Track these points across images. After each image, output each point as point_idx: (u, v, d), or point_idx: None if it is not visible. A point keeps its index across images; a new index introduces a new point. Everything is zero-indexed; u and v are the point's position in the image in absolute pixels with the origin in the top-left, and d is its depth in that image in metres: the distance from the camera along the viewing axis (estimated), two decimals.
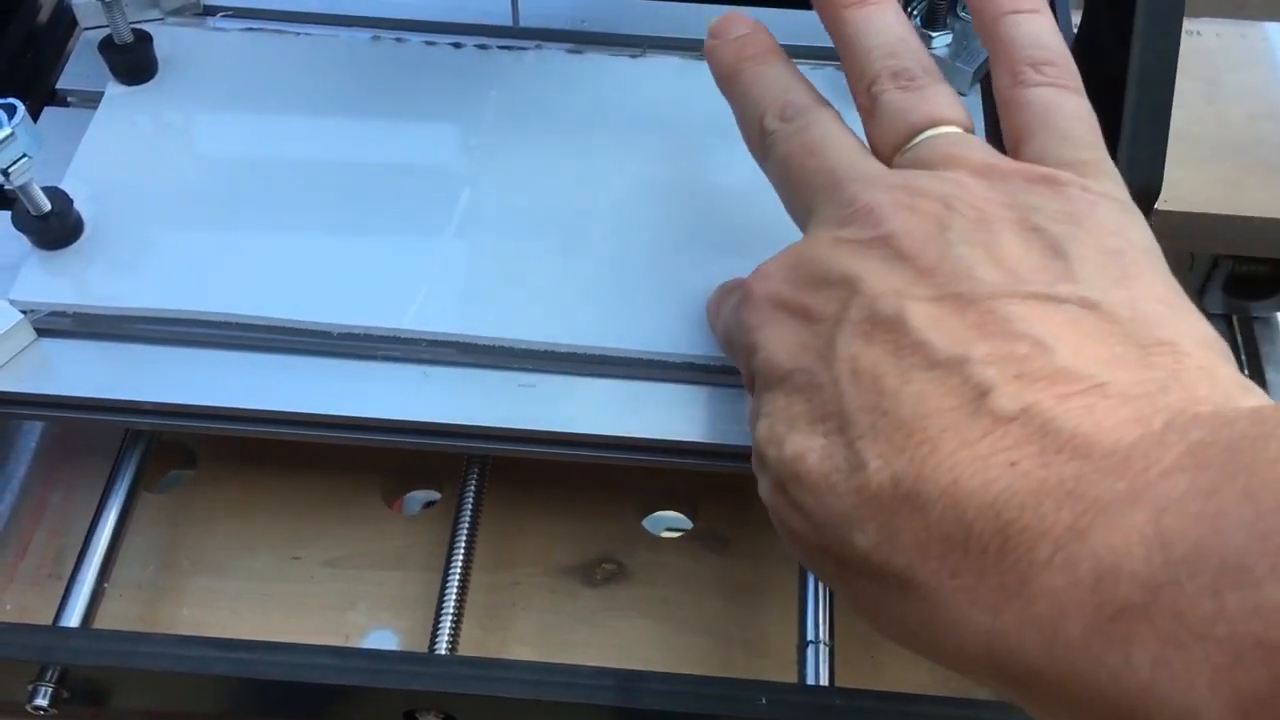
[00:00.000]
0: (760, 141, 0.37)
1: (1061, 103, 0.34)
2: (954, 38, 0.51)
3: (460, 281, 0.44)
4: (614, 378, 0.42)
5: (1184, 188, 0.49)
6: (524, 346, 0.42)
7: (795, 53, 0.40)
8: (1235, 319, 0.58)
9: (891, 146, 0.34)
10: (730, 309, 0.36)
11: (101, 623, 0.44)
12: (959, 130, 0.34)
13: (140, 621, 0.45)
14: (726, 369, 0.42)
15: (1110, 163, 0.33)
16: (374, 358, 0.43)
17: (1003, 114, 0.35)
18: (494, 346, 0.42)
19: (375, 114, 0.49)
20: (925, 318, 0.28)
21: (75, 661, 0.39)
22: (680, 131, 0.49)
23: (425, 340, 0.42)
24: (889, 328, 0.28)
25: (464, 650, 0.43)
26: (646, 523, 0.49)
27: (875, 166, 0.33)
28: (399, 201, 0.46)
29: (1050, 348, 0.26)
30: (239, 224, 0.45)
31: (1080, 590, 0.23)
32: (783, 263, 0.33)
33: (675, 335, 0.43)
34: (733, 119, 0.48)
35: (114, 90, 0.50)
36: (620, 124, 0.49)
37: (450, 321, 0.43)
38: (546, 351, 0.42)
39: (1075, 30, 0.56)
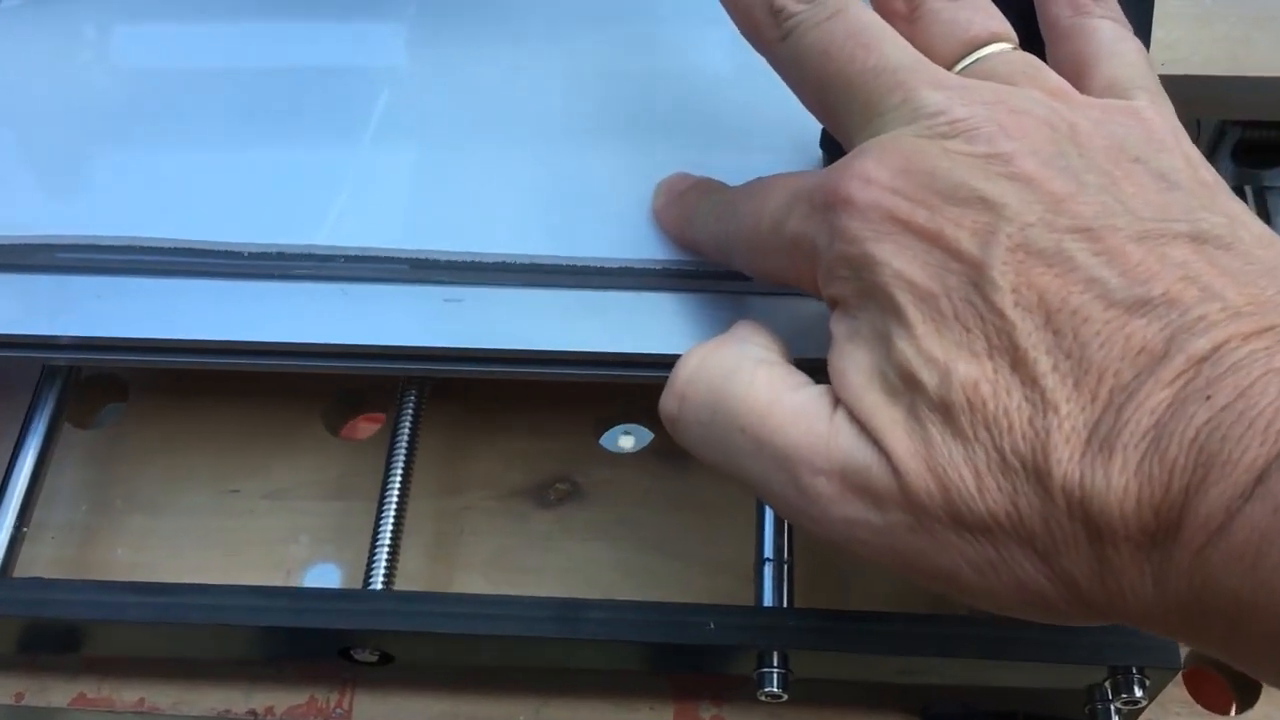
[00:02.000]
0: (772, 25, 0.32)
1: (1123, 34, 0.32)
2: None
3: (379, 191, 0.40)
4: (549, 287, 0.39)
5: (1182, 49, 0.45)
6: (448, 258, 0.39)
7: None
8: (1248, 189, 0.54)
9: (945, 60, 0.31)
10: (800, 209, 0.30)
11: (32, 568, 0.42)
12: (1018, 49, 0.31)
13: (73, 565, 0.43)
14: (671, 273, 0.39)
15: (1165, 93, 0.31)
16: (290, 278, 0.40)
17: (1060, 44, 0.33)
18: (417, 259, 0.39)
19: (284, 11, 0.45)
20: (1089, 254, 0.26)
21: None
22: (613, 20, 0.45)
23: (343, 256, 0.39)
24: (1049, 260, 0.26)
25: (411, 583, 0.41)
26: (604, 440, 0.46)
27: (944, 72, 0.30)
28: (312, 107, 0.42)
29: (1215, 290, 0.25)
30: (140, 140, 0.42)
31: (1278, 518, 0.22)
32: (888, 166, 0.28)
33: (615, 239, 0.39)
34: (670, 3, 0.45)
35: (8, 3, 0.46)
36: (550, 13, 0.45)
37: (369, 235, 0.39)
38: (474, 262, 0.39)
39: None
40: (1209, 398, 0.23)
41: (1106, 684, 0.36)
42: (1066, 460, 0.24)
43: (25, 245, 0.40)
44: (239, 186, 0.41)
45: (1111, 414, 0.24)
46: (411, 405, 0.43)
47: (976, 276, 0.26)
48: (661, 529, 0.44)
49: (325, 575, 0.43)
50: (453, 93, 0.43)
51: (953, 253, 0.27)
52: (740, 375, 0.30)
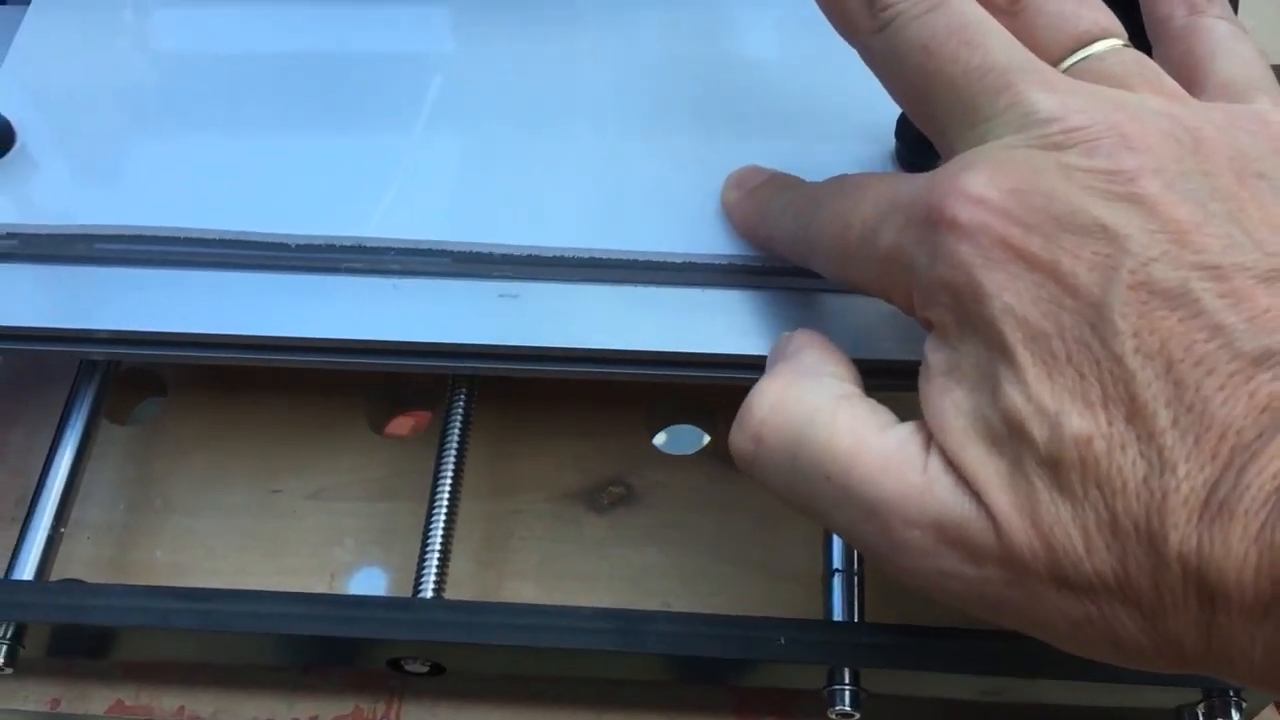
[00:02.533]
0: (867, 15, 0.30)
1: (1239, 33, 0.31)
2: None
3: (431, 182, 0.39)
4: (608, 283, 0.38)
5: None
6: (504, 252, 0.37)
7: None
8: None
9: (1051, 58, 0.29)
10: (897, 219, 0.28)
11: (69, 569, 0.41)
12: (1130, 46, 0.29)
13: (110, 566, 0.42)
14: (736, 269, 0.37)
15: None
16: (338, 271, 0.38)
17: (1171, 45, 0.31)
18: (471, 253, 0.37)
19: (331, 4, 0.43)
20: (1214, 295, 0.24)
21: (28, 618, 0.36)
22: (671, 7, 0.43)
23: (393, 249, 0.38)
24: (1173, 302, 0.24)
25: (459, 589, 0.40)
26: (658, 441, 0.45)
27: (1056, 73, 0.28)
28: (361, 96, 0.41)
29: None
30: (187, 127, 0.41)
31: None
32: (999, 184, 0.26)
33: (676, 234, 0.37)
34: None
35: None
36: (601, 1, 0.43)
37: (420, 227, 0.38)
38: (530, 257, 0.37)
39: None
40: None
41: (1200, 707, 0.34)
42: (1184, 524, 0.23)
43: (66, 235, 0.39)
44: (286, 177, 0.39)
45: (1232, 475, 0.22)
46: (461, 404, 0.41)
47: (1095, 317, 0.24)
48: (719, 534, 0.42)
49: (371, 579, 0.42)
50: (506, 82, 0.41)
51: (1069, 288, 0.25)
52: (821, 418, 0.28)
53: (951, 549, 0.26)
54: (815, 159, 0.38)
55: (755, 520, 0.42)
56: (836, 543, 0.37)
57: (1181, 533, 0.23)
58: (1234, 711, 0.33)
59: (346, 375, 0.42)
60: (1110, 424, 0.24)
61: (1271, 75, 0.30)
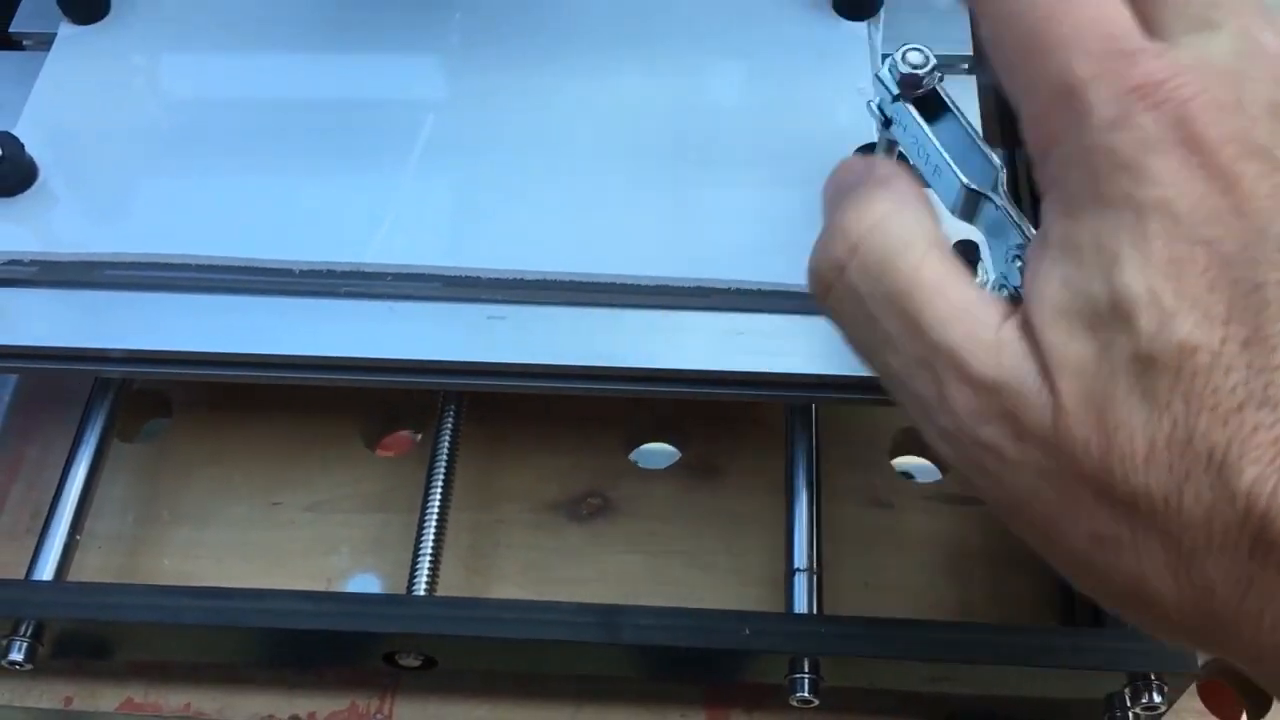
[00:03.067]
0: None
1: None
2: None
3: (424, 212, 0.42)
4: (588, 305, 0.41)
5: None
6: (492, 276, 0.41)
7: None
8: None
9: None
10: (1100, 63, 0.25)
11: (79, 576, 0.43)
12: None
13: (120, 574, 0.44)
14: (703, 291, 0.41)
15: None
16: (338, 295, 0.41)
17: None
18: (461, 277, 0.41)
19: (334, 42, 0.47)
20: None
21: (49, 615, 0.38)
22: (648, 43, 0.47)
23: (390, 274, 0.41)
24: None
25: (448, 591, 0.42)
26: (634, 455, 0.48)
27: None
28: (360, 132, 0.44)
29: None
30: (197, 163, 0.44)
31: None
32: (1213, 72, 0.24)
33: (650, 258, 0.41)
34: (704, 29, 0.47)
35: (66, 30, 0.48)
36: (588, 40, 0.47)
37: (415, 253, 0.41)
38: (515, 280, 0.41)
39: None
40: None
41: (1126, 691, 0.37)
42: (1265, 464, 0.22)
43: (85, 262, 0.42)
44: (289, 208, 0.42)
45: None
46: (451, 420, 0.44)
47: (1252, 240, 0.23)
48: (692, 542, 0.45)
49: (366, 585, 0.44)
50: (493, 119, 0.45)
51: (1237, 207, 0.23)
52: (915, 251, 0.27)
53: (999, 419, 0.24)
54: (783, 192, 0.42)
55: (724, 529, 0.45)
56: (798, 542, 0.40)
57: (1260, 471, 0.21)
58: (1156, 694, 0.36)
59: (342, 395, 0.45)
60: (1224, 343, 0.22)
61: None
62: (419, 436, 0.49)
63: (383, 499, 0.46)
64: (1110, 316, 0.24)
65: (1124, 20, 0.26)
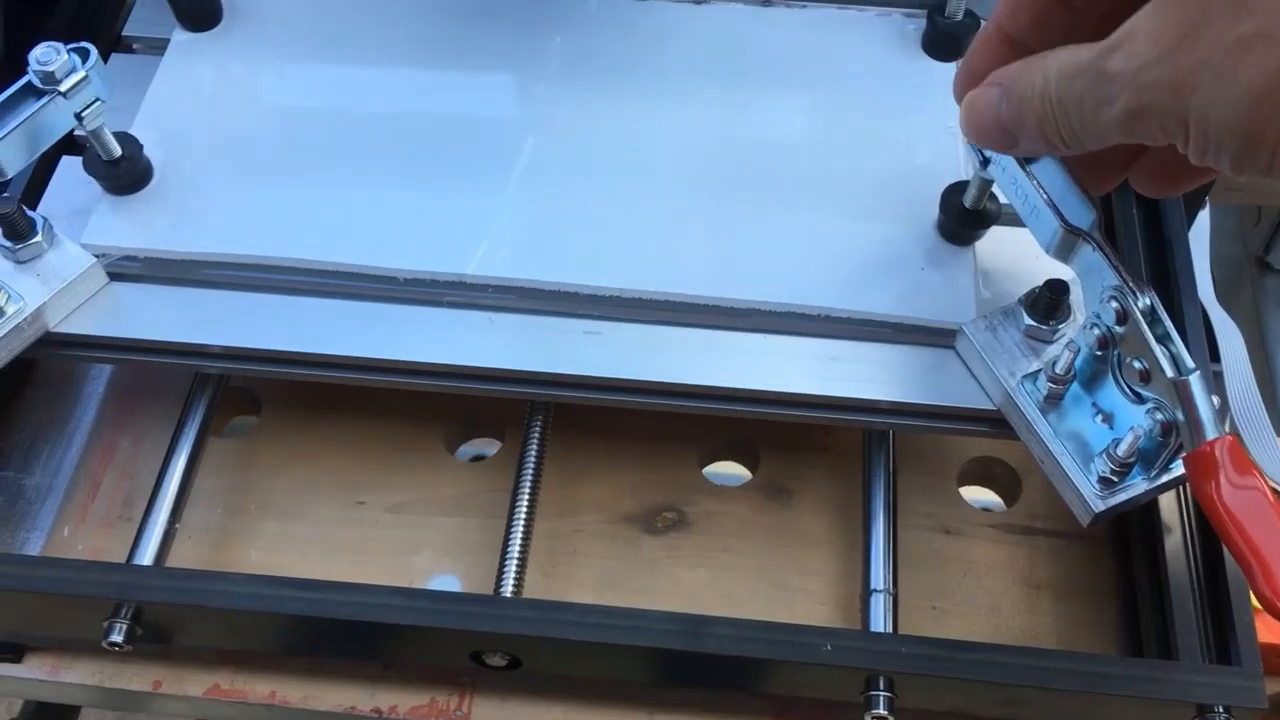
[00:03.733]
0: None
1: None
2: None
3: (525, 228, 0.44)
4: (679, 325, 0.42)
5: None
6: (590, 292, 0.42)
7: None
8: None
9: None
10: None
11: (173, 564, 0.45)
12: None
13: (210, 564, 0.46)
14: (794, 316, 0.42)
15: None
16: (440, 304, 0.43)
17: None
18: (559, 292, 0.42)
19: (439, 60, 0.49)
20: None
21: (152, 599, 0.40)
22: (743, 78, 0.48)
23: (491, 286, 0.43)
24: None
25: (528, 595, 0.44)
26: (708, 472, 0.49)
27: None
28: (464, 148, 0.46)
29: None
30: (305, 170, 0.46)
31: None
32: None
33: (741, 282, 0.42)
34: (797, 66, 0.48)
35: (180, 37, 0.50)
36: (684, 71, 0.48)
37: (516, 267, 0.43)
38: (612, 297, 0.42)
39: None
40: None
41: None
42: None
43: (191, 261, 0.43)
44: (396, 217, 0.44)
45: None
46: (538, 429, 0.45)
47: None
48: (762, 559, 0.46)
49: (446, 585, 0.46)
50: (591, 142, 0.46)
51: None
52: None
53: None
54: (868, 225, 0.43)
55: (794, 549, 0.46)
56: (875, 563, 0.42)
57: None
58: None
59: (425, 399, 0.47)
60: None
61: None
62: (499, 447, 0.50)
63: (462, 503, 0.48)
64: None
65: None
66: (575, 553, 0.47)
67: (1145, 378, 0.35)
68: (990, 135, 0.33)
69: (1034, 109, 0.32)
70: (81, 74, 0.40)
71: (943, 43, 0.48)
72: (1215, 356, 0.49)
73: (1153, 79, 0.28)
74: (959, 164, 0.45)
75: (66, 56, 0.40)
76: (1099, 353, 0.37)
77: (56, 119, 0.41)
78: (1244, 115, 0.27)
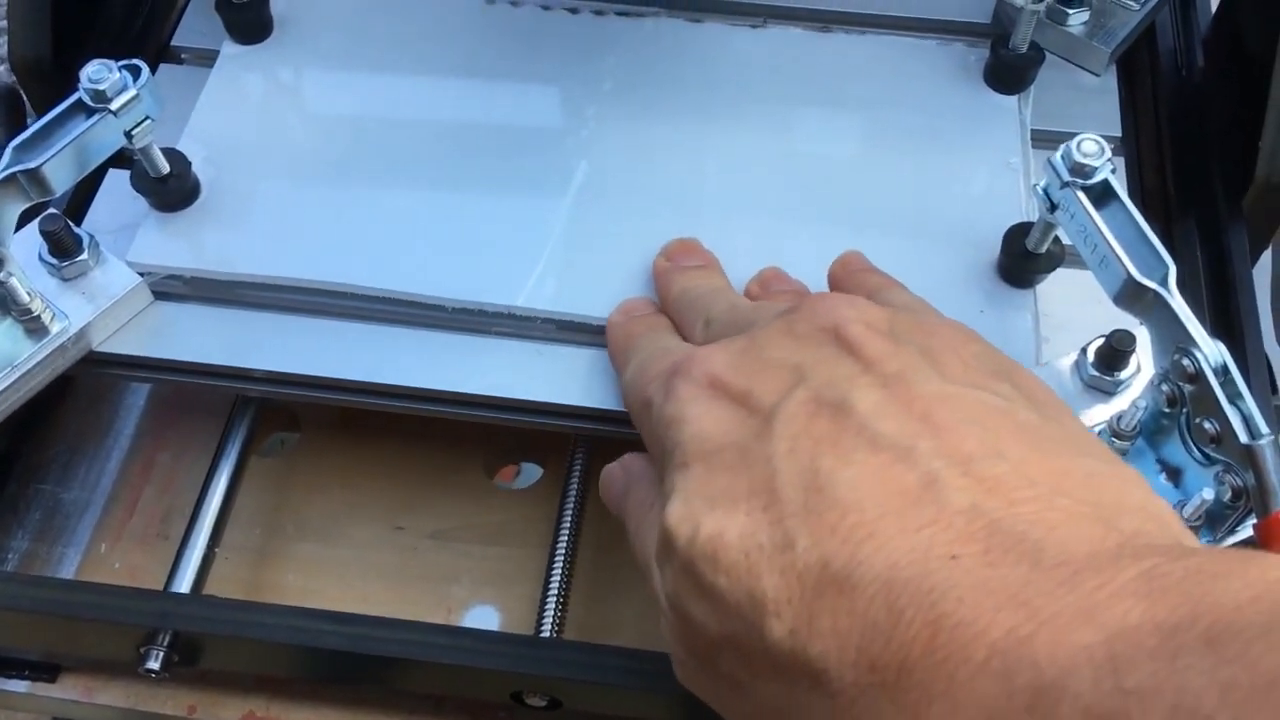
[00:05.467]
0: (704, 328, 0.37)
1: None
2: (1090, 16, 0.48)
3: (576, 260, 0.43)
4: None
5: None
6: None
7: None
8: None
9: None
10: (658, 375, 0.34)
11: (210, 585, 0.44)
12: None
13: (249, 585, 0.45)
14: None
15: None
16: (487, 333, 0.42)
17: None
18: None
19: (489, 81, 0.48)
20: (872, 403, 0.28)
21: (192, 628, 0.39)
22: (800, 104, 0.47)
23: (539, 319, 0.42)
24: (833, 411, 0.28)
25: (569, 630, 0.43)
26: None
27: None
28: (514, 174, 0.45)
29: (999, 452, 0.26)
30: (353, 192, 0.45)
31: (1015, 702, 0.21)
32: (729, 348, 0.32)
33: None
34: (856, 93, 0.47)
35: (229, 50, 0.49)
36: (740, 96, 0.47)
37: (564, 301, 0.42)
38: None
39: (1214, 12, 0.54)
40: (955, 558, 0.23)
41: None
42: (786, 603, 0.25)
43: (237, 282, 0.43)
44: (446, 244, 0.43)
45: (846, 551, 0.25)
46: (581, 463, 0.45)
47: (762, 427, 0.29)
48: None
49: (485, 617, 0.45)
50: (644, 172, 0.45)
51: (751, 409, 0.30)
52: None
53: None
54: (925, 261, 0.42)
55: None
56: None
57: (784, 616, 0.25)
58: None
59: (469, 427, 0.46)
60: (749, 515, 0.27)
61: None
62: (541, 471, 0.50)
63: (503, 532, 0.47)
64: (664, 545, 0.29)
65: (672, 343, 0.37)
66: (617, 586, 0.46)
67: (1216, 439, 0.34)
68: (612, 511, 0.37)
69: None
70: (133, 92, 0.39)
71: (1006, 74, 0.47)
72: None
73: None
74: (1020, 199, 0.44)
75: (118, 74, 0.39)
76: (1167, 410, 0.36)
77: (106, 137, 0.40)
78: None
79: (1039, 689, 0.21)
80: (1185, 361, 0.34)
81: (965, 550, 0.24)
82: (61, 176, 0.40)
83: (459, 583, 0.46)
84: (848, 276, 0.40)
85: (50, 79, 0.51)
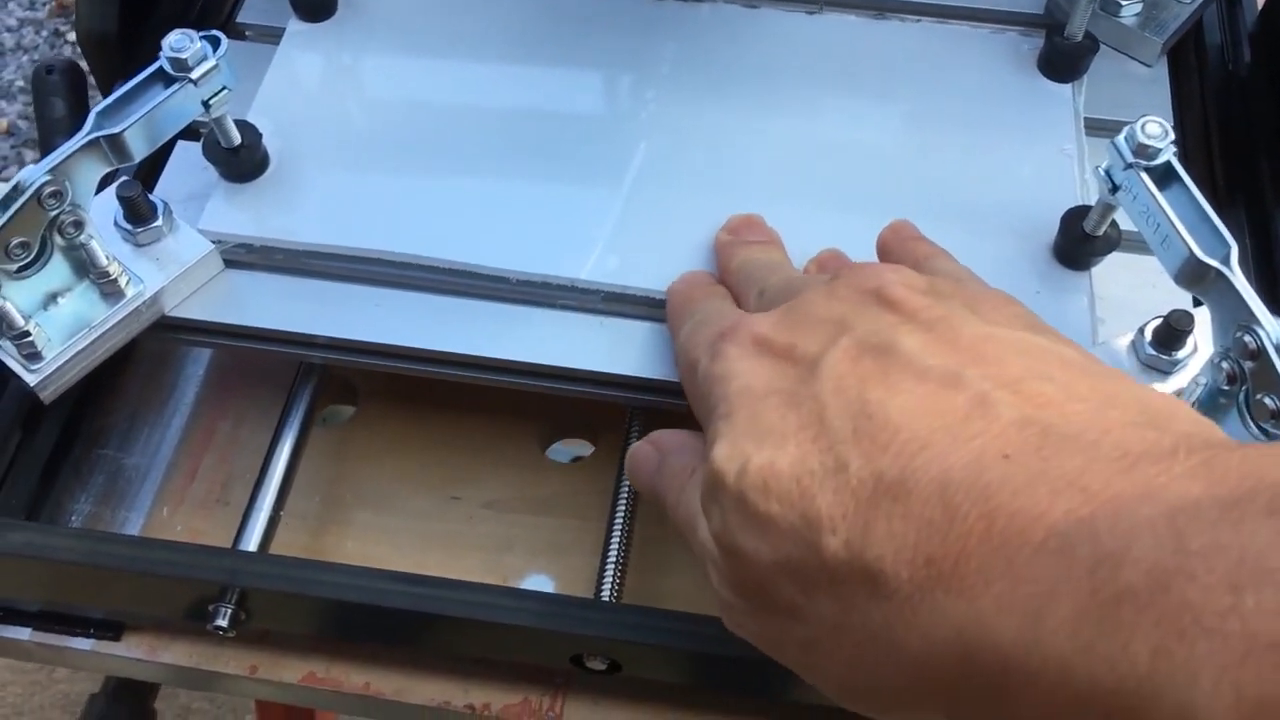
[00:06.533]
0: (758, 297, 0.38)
1: None
2: (1143, 8, 0.49)
3: (637, 235, 0.44)
4: None
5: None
6: None
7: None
8: None
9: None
10: (706, 338, 0.34)
11: (273, 550, 0.45)
12: None
13: (308, 551, 0.46)
14: None
15: None
16: (551, 305, 0.43)
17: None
18: None
19: (552, 61, 0.49)
20: (917, 343, 0.28)
21: (262, 585, 0.40)
22: (855, 90, 0.48)
23: (602, 292, 0.43)
24: (878, 352, 0.29)
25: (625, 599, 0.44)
26: None
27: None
28: (576, 151, 0.46)
29: (1047, 374, 0.27)
30: (417, 165, 0.46)
31: (1076, 571, 0.22)
32: (776, 311, 0.33)
33: None
34: (911, 79, 0.48)
35: (295, 27, 0.50)
36: (796, 81, 0.48)
37: (628, 274, 0.43)
38: None
39: (1259, 8, 0.54)
40: (1007, 456, 0.24)
41: None
42: (841, 518, 0.26)
43: (305, 251, 0.44)
44: (510, 217, 0.44)
45: (899, 463, 0.25)
46: (637, 434, 0.45)
47: (808, 373, 0.29)
48: None
49: (539, 585, 0.46)
50: (703, 151, 0.46)
51: (796, 359, 0.31)
52: None
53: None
54: (980, 244, 0.43)
55: None
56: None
57: (839, 529, 0.26)
58: None
59: (523, 398, 0.47)
60: (799, 446, 0.27)
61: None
62: (590, 450, 0.50)
63: (556, 503, 0.48)
64: (711, 485, 0.30)
65: (727, 308, 0.38)
66: (670, 559, 0.46)
67: (1276, 415, 0.35)
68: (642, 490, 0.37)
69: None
70: (213, 62, 0.40)
71: (1060, 63, 0.48)
72: None
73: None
74: (1074, 186, 0.45)
75: (199, 44, 0.40)
76: (1226, 387, 0.37)
77: (185, 106, 0.41)
78: None
79: (1099, 558, 0.22)
80: (1247, 339, 0.35)
81: (1019, 450, 0.24)
82: (140, 143, 0.40)
83: (513, 552, 0.47)
84: (898, 243, 0.41)
85: (115, 54, 0.52)
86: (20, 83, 1.70)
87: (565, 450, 0.52)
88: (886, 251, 0.41)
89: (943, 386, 0.27)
